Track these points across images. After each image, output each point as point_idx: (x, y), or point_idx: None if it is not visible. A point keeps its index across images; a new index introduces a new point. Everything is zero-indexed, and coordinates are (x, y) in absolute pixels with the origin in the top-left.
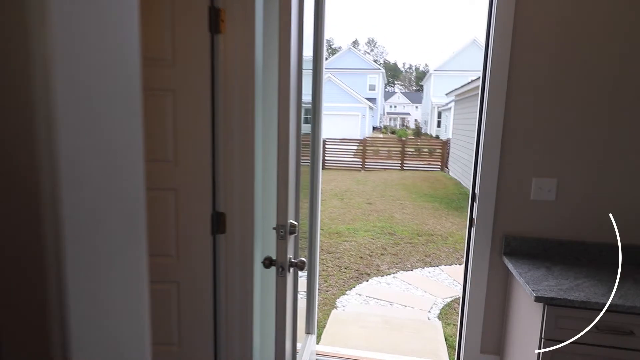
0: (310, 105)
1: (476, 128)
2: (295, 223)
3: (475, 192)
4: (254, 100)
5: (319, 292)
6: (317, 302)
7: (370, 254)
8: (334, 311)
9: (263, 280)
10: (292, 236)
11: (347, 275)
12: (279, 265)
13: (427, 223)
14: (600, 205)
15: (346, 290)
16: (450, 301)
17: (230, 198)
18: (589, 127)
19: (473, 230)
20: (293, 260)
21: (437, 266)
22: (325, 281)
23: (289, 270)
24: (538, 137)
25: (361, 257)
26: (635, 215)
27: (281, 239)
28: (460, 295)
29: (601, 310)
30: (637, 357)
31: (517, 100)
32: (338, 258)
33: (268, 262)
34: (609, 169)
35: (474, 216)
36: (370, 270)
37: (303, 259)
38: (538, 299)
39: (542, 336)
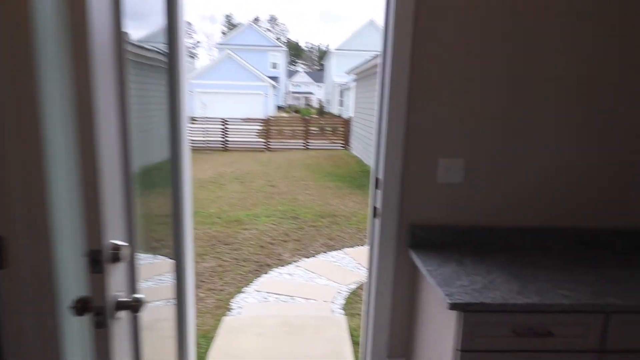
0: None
1: (377, 108)
2: (123, 244)
3: (379, 177)
4: (36, 81)
5: (212, 292)
6: (193, 336)
7: (272, 241)
8: (226, 318)
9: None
10: (119, 264)
11: (246, 268)
12: (95, 310)
13: (330, 203)
14: (509, 186)
15: (243, 287)
16: (356, 288)
17: (10, 217)
18: (496, 106)
19: (377, 221)
20: (123, 300)
21: (341, 249)
22: (221, 279)
23: (113, 317)
24: (444, 116)
25: (262, 247)
26: (545, 197)
27: (96, 271)
28: (364, 295)
29: (519, 311)
30: (557, 358)
31: (420, 78)
32: (236, 250)
33: (81, 306)
34: (517, 148)
35: (377, 205)
36: (271, 260)
37: (140, 296)
38: (453, 307)
39: (459, 347)
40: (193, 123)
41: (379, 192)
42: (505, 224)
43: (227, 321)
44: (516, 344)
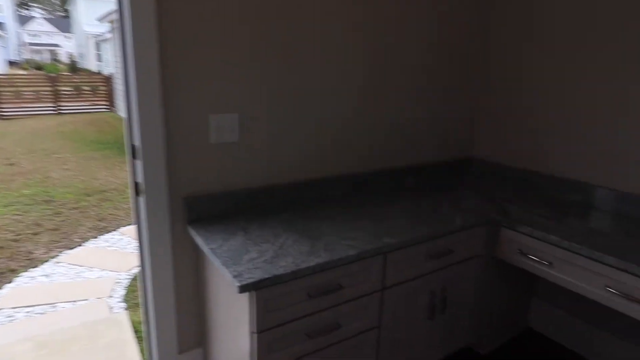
0: None
1: (120, 60)
2: None
3: (135, 144)
4: None
5: None
6: None
7: (17, 237)
8: None
9: None
10: None
11: None
12: None
13: (97, 177)
14: (285, 141)
15: None
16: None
17: None
18: (268, 54)
19: (141, 200)
20: None
21: (116, 230)
22: None
23: None
24: (210, 64)
25: (1, 247)
26: (319, 148)
27: None
28: (139, 286)
29: (311, 273)
30: (348, 308)
31: (174, 22)
32: None
33: None
34: (293, 102)
35: (139, 180)
36: (17, 263)
37: None
38: (244, 289)
39: (255, 329)
40: None
41: (139, 163)
42: (286, 180)
43: None
44: (311, 306)
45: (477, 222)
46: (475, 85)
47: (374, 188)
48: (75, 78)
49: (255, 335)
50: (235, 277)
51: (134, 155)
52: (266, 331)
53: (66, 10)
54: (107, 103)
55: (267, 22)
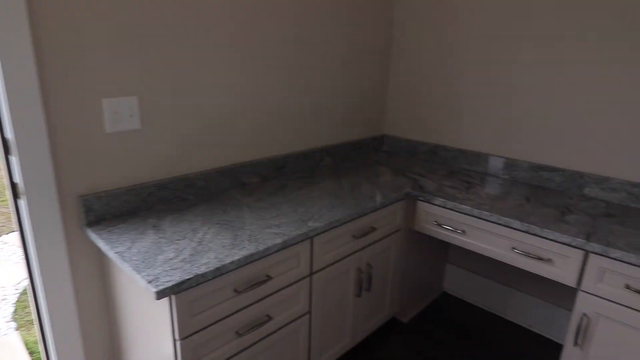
0: None
1: None
2: None
3: (7, 137)
4: None
5: None
6: None
7: None
8: None
9: None
10: None
11: None
12: None
13: None
14: (194, 125)
15: None
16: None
17: None
18: (169, 24)
19: (22, 203)
20: None
21: None
22: None
23: None
24: (99, 37)
25: None
26: (233, 132)
27: None
28: (30, 303)
29: (237, 268)
30: (278, 298)
31: None
32: None
33: None
34: (200, 80)
35: (16, 180)
36: None
37: None
38: (162, 294)
39: (177, 337)
40: None
41: (14, 160)
42: (200, 169)
43: None
44: (239, 302)
45: (397, 198)
46: (383, 65)
47: (292, 171)
48: None
49: (179, 343)
50: (150, 282)
51: (6, 151)
52: (191, 336)
53: None
54: None
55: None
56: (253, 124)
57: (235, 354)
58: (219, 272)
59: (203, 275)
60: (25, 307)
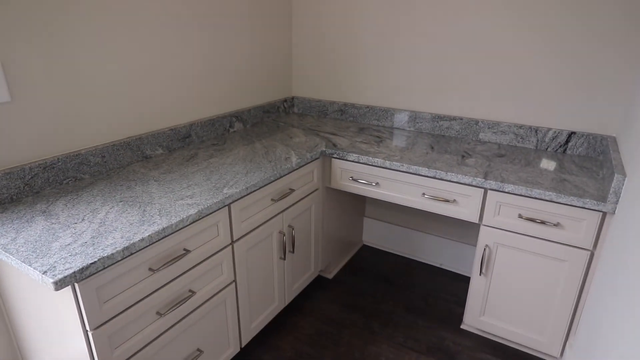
0: None
1: None
2: None
3: None
4: None
5: None
6: None
7: None
8: None
9: None
10: None
11: None
12: None
13: None
14: (84, 97)
15: None
16: None
17: None
18: None
19: None
20: None
21: None
22: None
23: None
24: None
25: None
26: (129, 102)
27: None
28: None
29: (149, 245)
30: (200, 271)
31: None
32: None
33: None
34: (79, 41)
35: None
36: None
37: None
38: (61, 284)
39: (89, 327)
40: None
41: None
42: (95, 143)
43: None
44: (156, 281)
45: (312, 157)
46: (285, 27)
47: (201, 138)
48: None
49: (91, 334)
50: (45, 272)
51: None
52: (103, 325)
53: None
54: None
55: None
56: (152, 92)
57: (159, 335)
58: (128, 252)
59: (110, 257)
60: None
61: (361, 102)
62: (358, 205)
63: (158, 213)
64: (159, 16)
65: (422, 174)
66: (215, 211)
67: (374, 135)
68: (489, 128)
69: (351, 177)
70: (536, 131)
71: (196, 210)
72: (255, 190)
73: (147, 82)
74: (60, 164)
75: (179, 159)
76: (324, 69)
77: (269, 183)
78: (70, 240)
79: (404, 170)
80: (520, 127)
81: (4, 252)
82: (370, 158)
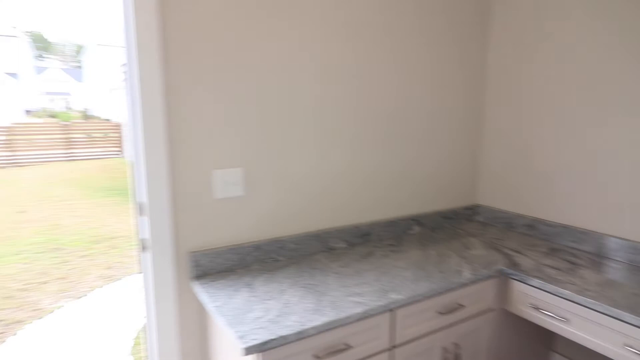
0: None
1: (129, 118)
2: None
3: (141, 201)
4: None
5: None
6: None
7: (25, 287)
8: None
9: None
10: None
11: None
12: None
13: (107, 224)
14: (290, 193)
15: None
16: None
17: None
18: (270, 105)
19: (148, 256)
20: None
21: (123, 278)
22: None
23: None
24: (214, 119)
25: (8, 297)
26: (323, 199)
27: None
28: (148, 349)
29: (317, 333)
30: None
31: (177, 75)
32: None
33: None
34: (294, 153)
35: (145, 236)
36: (24, 313)
37: None
38: (249, 351)
39: None
40: None
41: (145, 220)
42: (293, 232)
43: None
44: None
45: (487, 275)
46: (477, 131)
47: (380, 238)
48: (86, 125)
49: None
50: (240, 338)
51: (140, 212)
52: None
53: (79, 61)
54: (117, 149)
55: (268, 76)
56: (342, 193)
57: None
58: (300, 336)
59: (285, 337)
60: (140, 343)
61: (555, 219)
62: (545, 336)
63: (330, 305)
64: (357, 134)
65: (625, 320)
66: (379, 313)
67: (567, 260)
68: None
69: (531, 304)
70: None
71: (362, 310)
72: (421, 300)
73: (344, 182)
74: (266, 246)
75: (356, 255)
76: (514, 179)
77: (436, 295)
78: (261, 314)
79: (601, 310)
80: None
81: (217, 313)
82: (558, 288)
